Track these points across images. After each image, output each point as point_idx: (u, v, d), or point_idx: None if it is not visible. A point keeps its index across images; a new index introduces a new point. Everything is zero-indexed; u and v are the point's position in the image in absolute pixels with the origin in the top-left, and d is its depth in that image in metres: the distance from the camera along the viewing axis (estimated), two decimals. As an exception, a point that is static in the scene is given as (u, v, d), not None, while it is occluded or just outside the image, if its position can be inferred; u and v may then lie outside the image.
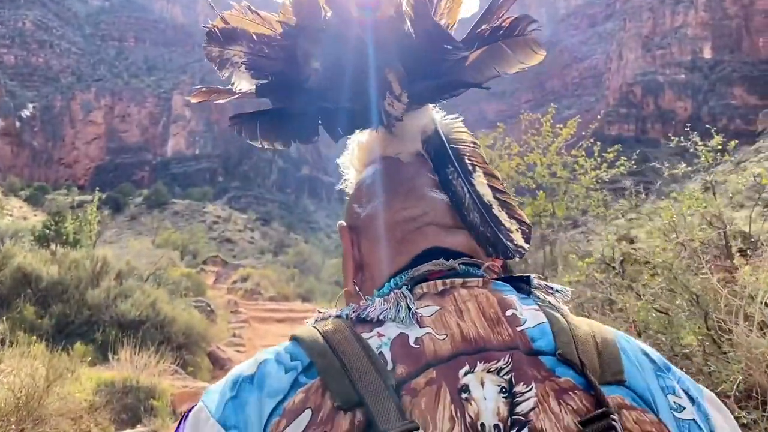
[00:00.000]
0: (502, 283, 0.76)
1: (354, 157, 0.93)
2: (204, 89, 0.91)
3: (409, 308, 0.70)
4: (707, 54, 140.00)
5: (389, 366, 0.64)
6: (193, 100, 0.92)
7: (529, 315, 0.72)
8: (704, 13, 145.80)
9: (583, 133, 8.94)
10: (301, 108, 0.85)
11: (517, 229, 0.83)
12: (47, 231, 10.07)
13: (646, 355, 0.72)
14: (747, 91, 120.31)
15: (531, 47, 0.82)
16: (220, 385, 0.67)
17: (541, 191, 8.06)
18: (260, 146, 0.89)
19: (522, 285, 0.78)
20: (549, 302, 0.77)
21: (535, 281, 0.79)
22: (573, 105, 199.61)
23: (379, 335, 0.68)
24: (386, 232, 0.84)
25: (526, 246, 0.82)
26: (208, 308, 11.29)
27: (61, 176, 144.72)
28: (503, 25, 0.82)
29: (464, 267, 0.77)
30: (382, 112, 0.81)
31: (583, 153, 7.97)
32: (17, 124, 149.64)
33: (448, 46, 0.79)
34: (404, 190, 0.85)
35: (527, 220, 0.85)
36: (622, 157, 8.12)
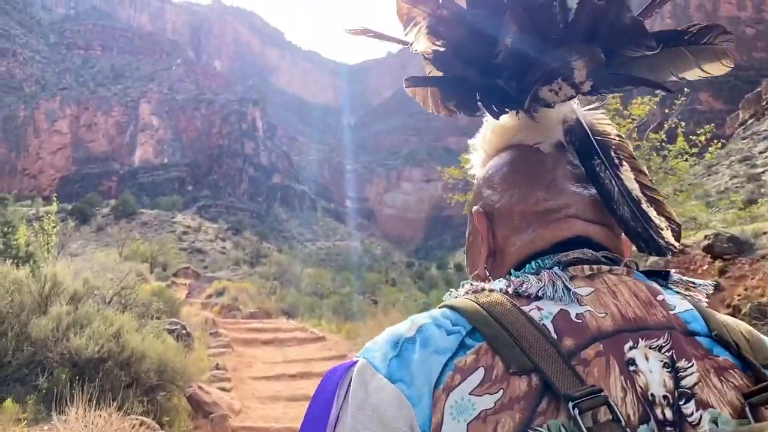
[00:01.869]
0: (643, 275, 0.78)
1: (485, 141, 0.93)
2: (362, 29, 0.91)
3: (567, 288, 0.71)
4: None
5: (554, 336, 0.66)
6: (350, 33, 0.90)
7: (677, 302, 0.74)
8: (669, 21, 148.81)
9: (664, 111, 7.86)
10: (479, 81, 0.84)
11: (667, 227, 0.82)
12: None
13: None
14: (713, 96, 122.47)
15: (719, 57, 0.80)
16: (378, 343, 0.69)
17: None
18: (433, 111, 0.91)
19: (660, 280, 0.79)
20: (690, 295, 0.78)
21: (675, 276, 0.80)
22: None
23: (539, 309, 0.69)
24: (527, 221, 0.83)
25: (677, 244, 0.81)
26: (184, 331, 9.73)
27: (25, 187, 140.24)
28: (690, 30, 0.80)
29: (606, 260, 0.78)
30: (532, 104, 0.82)
31: (665, 136, 6.72)
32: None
33: (642, 43, 0.77)
34: (545, 182, 0.84)
35: (677, 219, 0.84)
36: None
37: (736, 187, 28.95)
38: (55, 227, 11.00)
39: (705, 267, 13.27)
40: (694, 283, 0.80)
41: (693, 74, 0.81)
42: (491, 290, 0.73)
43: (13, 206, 75.71)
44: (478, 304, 0.70)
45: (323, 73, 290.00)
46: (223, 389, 7.38)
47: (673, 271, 0.81)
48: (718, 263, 12.03)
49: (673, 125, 7.30)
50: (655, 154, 7.00)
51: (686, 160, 6.86)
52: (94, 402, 4.60)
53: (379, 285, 47.93)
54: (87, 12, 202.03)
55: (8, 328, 5.25)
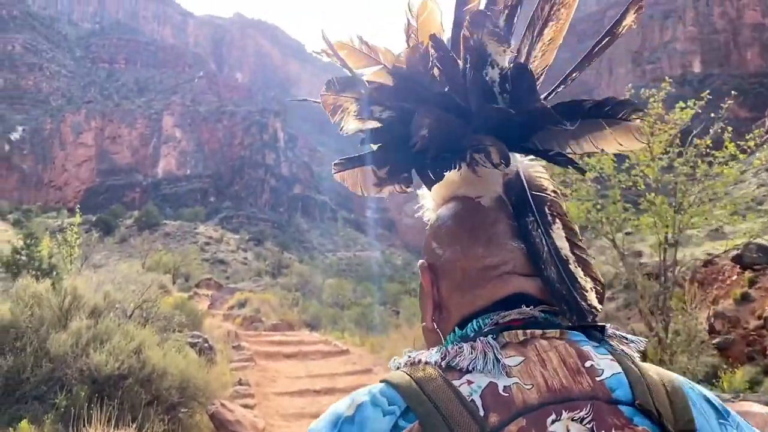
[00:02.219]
0: (577, 332, 0.80)
1: (433, 190, 0.96)
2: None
3: (497, 359, 0.74)
4: (697, 68, 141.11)
5: (481, 413, 0.68)
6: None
7: (605, 365, 0.76)
8: (693, 28, 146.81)
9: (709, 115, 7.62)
10: (398, 156, 0.91)
11: (591, 288, 0.84)
12: (18, 257, 8.39)
13: (709, 401, 0.77)
14: (737, 104, 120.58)
15: (634, 134, 0.85)
16: (320, 423, 0.72)
17: (659, 195, 6.47)
18: (360, 193, 0.98)
19: (595, 333, 0.81)
20: (622, 350, 0.80)
21: (609, 331, 0.82)
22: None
23: (469, 383, 0.72)
24: (467, 277, 0.86)
25: (599, 307, 0.84)
26: (206, 345, 9.55)
27: (51, 199, 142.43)
28: (606, 104, 0.84)
29: (543, 315, 0.81)
30: (472, 161, 0.85)
31: (710, 142, 6.41)
32: (6, 147, 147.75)
33: (559, 122, 0.83)
34: (485, 237, 0.87)
35: (602, 279, 0.86)
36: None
37: (764, 196, 28.19)
38: (77, 239, 10.94)
39: (734, 277, 12.80)
40: (626, 339, 0.83)
41: (611, 146, 0.85)
42: (426, 363, 0.77)
43: (39, 218, 76.91)
44: (413, 379, 0.73)
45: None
46: (246, 406, 7.15)
47: (607, 326, 0.83)
48: (748, 274, 11.58)
49: (720, 130, 6.96)
50: (700, 161, 6.67)
51: (731, 167, 6.53)
52: (114, 421, 4.41)
53: (400, 295, 47.55)
54: (112, 26, 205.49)
55: (27, 343, 5.09)
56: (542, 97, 0.87)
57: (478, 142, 0.83)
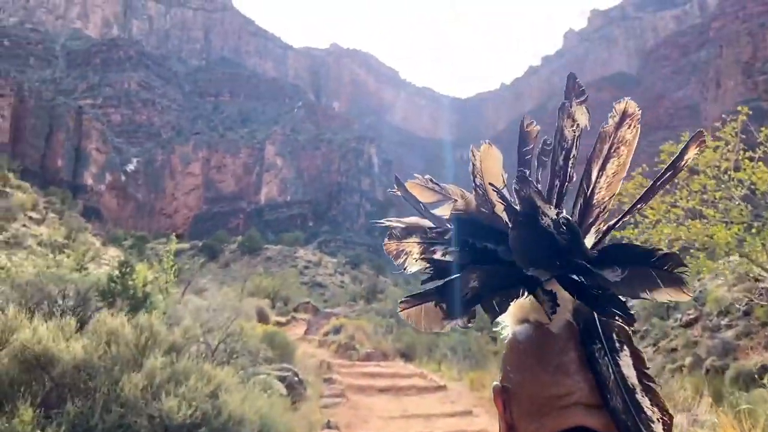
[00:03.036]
0: None
1: (509, 312, 1.00)
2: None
3: None
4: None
5: None
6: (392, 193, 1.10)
7: None
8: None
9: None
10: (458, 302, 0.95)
11: (659, 419, 0.84)
12: (113, 285, 8.33)
13: None
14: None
15: (681, 288, 0.85)
16: None
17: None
18: (423, 330, 1.02)
19: None
20: None
21: None
22: (669, 137, 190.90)
23: None
24: (534, 405, 0.90)
25: None
26: (296, 378, 9.04)
27: (162, 226, 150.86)
28: (653, 255, 0.87)
29: None
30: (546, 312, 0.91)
31: None
32: (123, 178, 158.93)
33: (601, 274, 0.87)
34: (553, 365, 0.90)
35: (669, 410, 0.86)
36: None
37: None
38: (173, 265, 10.83)
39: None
40: None
41: (663, 298, 0.86)
42: None
43: (151, 244, 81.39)
44: None
45: (437, 108, 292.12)
46: (333, 454, 6.54)
47: None
48: None
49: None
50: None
51: None
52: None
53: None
54: (217, 62, 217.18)
55: (99, 384, 4.71)
56: (608, 226, 0.95)
57: (532, 287, 0.90)
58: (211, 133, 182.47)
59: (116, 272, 9.53)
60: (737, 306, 13.80)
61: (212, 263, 65.22)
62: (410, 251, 1.03)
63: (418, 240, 1.03)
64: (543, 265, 0.88)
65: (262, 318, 21.41)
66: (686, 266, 0.88)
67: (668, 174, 0.96)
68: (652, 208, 7.98)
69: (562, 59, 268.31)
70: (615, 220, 0.97)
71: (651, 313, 40.14)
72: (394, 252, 1.04)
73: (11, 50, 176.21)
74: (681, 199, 7.78)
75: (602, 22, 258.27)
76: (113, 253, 30.63)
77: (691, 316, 28.56)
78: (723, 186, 7.26)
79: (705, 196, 7.02)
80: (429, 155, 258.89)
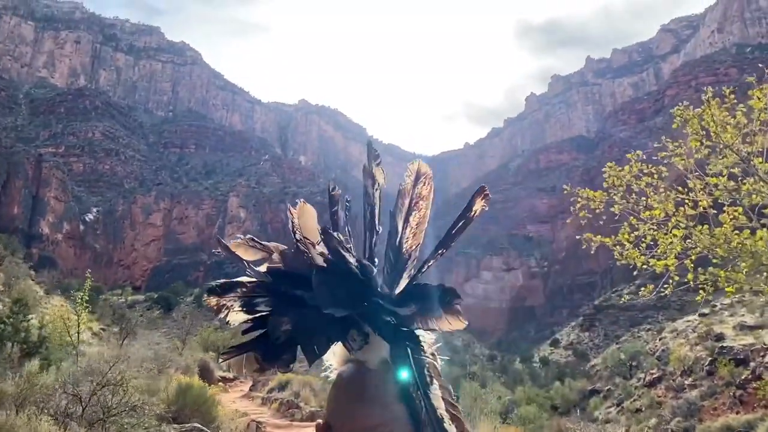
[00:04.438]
0: None
1: (334, 353, 1.12)
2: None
3: None
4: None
5: None
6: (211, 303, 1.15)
7: None
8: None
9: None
10: (276, 346, 1.06)
11: None
12: (2, 326, 7.41)
13: None
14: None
15: (458, 317, 1.02)
16: None
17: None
18: (245, 375, 1.13)
19: None
20: None
21: None
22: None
23: None
24: None
25: None
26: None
27: (120, 277, 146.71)
28: (438, 292, 1.03)
29: None
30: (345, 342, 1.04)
31: None
32: (81, 227, 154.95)
33: (394, 310, 1.02)
34: (369, 399, 0.99)
35: None
36: None
37: None
38: (85, 308, 9.96)
39: None
40: None
41: (446, 328, 1.02)
42: None
43: (104, 295, 78.42)
44: None
45: (403, 165, 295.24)
46: None
47: None
48: None
49: None
50: None
51: None
52: None
53: (459, 379, 44.77)
54: (184, 114, 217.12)
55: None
56: (414, 274, 1.11)
57: (343, 331, 1.02)
58: (174, 184, 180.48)
59: (6, 311, 8.59)
60: (701, 365, 13.34)
61: (167, 316, 62.95)
62: (231, 305, 1.10)
63: (238, 294, 1.10)
64: (342, 305, 0.99)
65: (205, 372, 20.23)
66: (460, 297, 1.03)
67: (461, 222, 1.14)
68: (654, 207, 7.50)
69: (524, 121, 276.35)
70: (421, 264, 1.11)
71: (614, 372, 39.81)
72: (215, 307, 1.11)
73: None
74: (698, 191, 7.07)
75: (563, 87, 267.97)
76: (57, 302, 29.07)
77: (655, 375, 28.30)
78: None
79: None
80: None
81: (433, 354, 1.06)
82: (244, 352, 1.11)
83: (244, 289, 1.11)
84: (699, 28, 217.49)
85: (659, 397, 21.62)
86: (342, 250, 1.06)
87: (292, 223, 1.11)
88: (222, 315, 1.11)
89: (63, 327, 8.92)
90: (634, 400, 25.33)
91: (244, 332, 1.11)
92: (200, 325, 44.77)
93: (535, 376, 60.99)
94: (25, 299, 9.48)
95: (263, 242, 1.17)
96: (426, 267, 1.11)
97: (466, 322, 1.03)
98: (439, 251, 1.12)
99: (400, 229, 1.14)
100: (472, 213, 1.15)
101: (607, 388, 36.75)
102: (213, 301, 1.12)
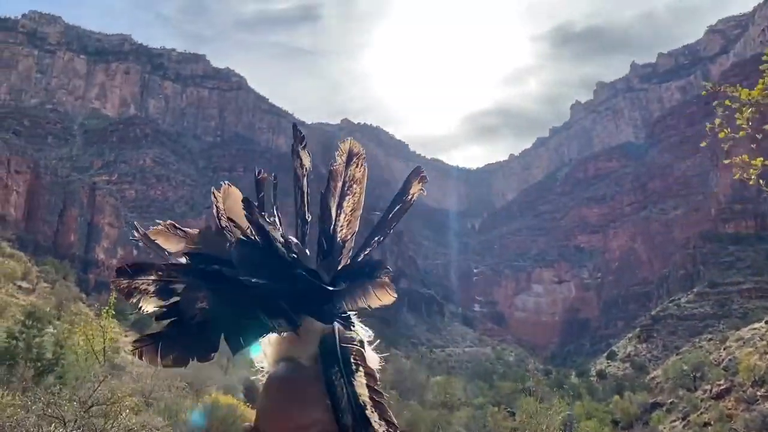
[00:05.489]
0: None
1: (266, 354, 1.07)
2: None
3: None
4: None
5: None
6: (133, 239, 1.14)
7: None
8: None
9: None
10: (198, 329, 0.98)
11: (385, 431, 0.94)
12: (14, 342, 6.98)
13: None
14: None
15: (387, 290, 1.00)
16: None
17: None
18: (160, 366, 1.02)
19: None
20: None
21: None
22: (679, 205, 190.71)
23: None
24: None
25: None
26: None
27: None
28: (365, 268, 1.01)
29: None
30: (278, 329, 0.99)
31: None
32: (134, 252, 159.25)
33: (321, 287, 0.99)
34: (301, 396, 0.96)
35: (395, 422, 0.95)
36: None
37: None
38: (108, 328, 9.65)
39: None
40: None
41: (374, 302, 1.00)
42: None
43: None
44: None
45: (447, 180, 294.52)
46: None
47: None
48: None
49: None
50: None
51: None
52: None
53: (515, 395, 43.53)
54: (231, 138, 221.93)
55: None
56: (350, 260, 1.07)
57: (271, 310, 0.96)
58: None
59: (18, 327, 8.15)
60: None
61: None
62: (145, 290, 1.02)
63: (152, 277, 1.02)
64: (265, 278, 0.95)
65: (252, 392, 19.84)
66: (389, 269, 1.00)
67: (398, 207, 1.08)
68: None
69: (569, 130, 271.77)
70: (356, 253, 1.08)
71: (677, 384, 37.88)
72: (126, 290, 1.03)
73: (31, 129, 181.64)
74: None
75: (608, 94, 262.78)
76: (108, 325, 29.42)
77: (722, 387, 26.66)
78: None
79: None
80: (436, 224, 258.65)
81: (361, 341, 1.03)
82: (158, 341, 1.02)
83: (159, 272, 1.03)
84: (748, 27, 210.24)
85: (729, 409, 20.23)
86: (266, 225, 1.01)
87: (216, 207, 1.07)
88: (134, 300, 1.03)
89: (87, 343, 8.63)
90: (702, 413, 23.84)
91: (158, 318, 1.02)
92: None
93: (592, 390, 58.95)
94: (38, 313, 9.16)
95: (185, 229, 1.10)
96: (362, 256, 1.07)
97: (395, 295, 1.00)
98: (376, 238, 1.09)
99: (333, 215, 1.09)
100: (410, 197, 1.08)
101: (670, 401, 34.96)
102: (123, 283, 1.03)
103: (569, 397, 32.67)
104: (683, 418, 27.04)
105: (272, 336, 1.04)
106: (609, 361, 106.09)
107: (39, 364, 6.44)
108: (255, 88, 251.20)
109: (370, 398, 0.95)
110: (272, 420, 0.99)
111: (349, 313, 1.02)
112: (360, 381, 0.96)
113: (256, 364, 1.09)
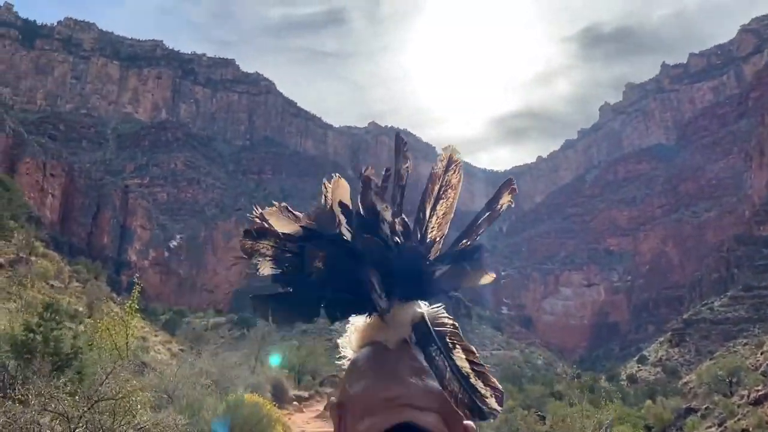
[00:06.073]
0: None
1: (350, 340, 1.14)
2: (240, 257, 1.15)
3: None
4: None
5: None
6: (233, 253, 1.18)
7: None
8: None
9: None
10: (305, 295, 1.09)
11: (491, 395, 0.98)
12: (31, 336, 7.06)
13: None
14: None
15: (485, 272, 1.09)
16: None
17: None
18: (269, 324, 1.16)
19: None
20: None
21: None
22: (712, 207, 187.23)
23: None
24: (366, 410, 1.00)
25: (499, 408, 0.98)
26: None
27: (203, 301, 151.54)
28: (466, 250, 1.09)
29: None
30: (375, 303, 1.04)
31: None
32: (166, 254, 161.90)
33: (426, 263, 1.08)
34: (387, 374, 1.03)
35: (500, 387, 1.00)
36: None
37: None
38: (134, 317, 9.83)
39: None
40: None
41: (472, 284, 1.10)
42: None
43: (189, 317, 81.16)
44: None
45: (474, 181, 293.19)
46: None
47: None
48: None
49: None
50: None
51: None
52: None
53: (544, 398, 43.18)
54: (260, 142, 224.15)
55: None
56: (433, 259, 1.12)
57: (370, 283, 1.03)
58: (253, 209, 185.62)
59: (36, 320, 8.18)
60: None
61: (246, 336, 64.34)
62: (265, 253, 1.12)
63: (272, 243, 1.12)
64: (377, 249, 1.05)
65: (279, 391, 20.09)
66: (488, 251, 1.14)
67: (487, 214, 1.15)
68: None
69: (598, 132, 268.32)
70: (442, 255, 1.14)
71: (712, 390, 37.21)
72: (249, 250, 1.13)
73: (66, 134, 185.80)
74: None
75: (638, 95, 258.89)
76: (137, 324, 30.14)
77: (761, 392, 26.14)
78: None
79: None
80: (463, 227, 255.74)
81: (454, 324, 1.08)
82: (270, 299, 1.13)
83: (278, 239, 1.12)
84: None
85: (768, 415, 19.82)
86: (378, 204, 1.09)
87: (325, 197, 1.13)
88: (254, 260, 1.12)
89: (108, 337, 8.79)
90: (739, 420, 23.46)
91: (274, 280, 1.12)
92: (277, 344, 45.33)
93: (623, 395, 58.11)
94: (56, 305, 9.28)
95: (296, 212, 1.17)
96: (467, 267, 1.12)
97: (494, 275, 1.08)
98: (462, 242, 1.12)
99: (427, 215, 1.15)
100: (499, 206, 1.15)
101: (704, 406, 34.38)
102: (248, 243, 1.12)
103: (603, 401, 32.38)
104: (719, 425, 26.57)
105: (358, 323, 1.12)
106: (640, 366, 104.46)
107: (57, 358, 6.47)
108: (283, 92, 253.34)
109: (472, 369, 1.01)
110: (357, 395, 1.04)
111: (451, 293, 1.10)
112: (459, 356, 1.02)
113: (339, 352, 1.16)
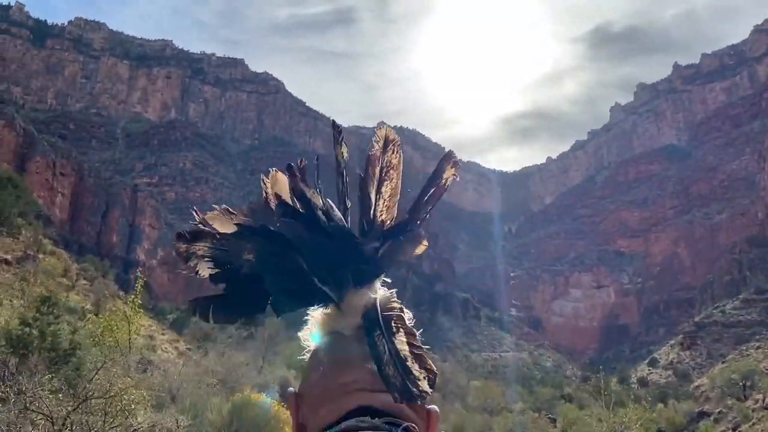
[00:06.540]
0: None
1: (312, 332, 1.16)
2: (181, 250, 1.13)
3: None
4: None
5: None
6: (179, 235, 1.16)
7: None
8: None
9: None
10: (240, 290, 1.09)
11: (424, 377, 1.01)
12: (27, 330, 6.71)
13: None
14: None
15: (418, 240, 1.12)
16: None
17: None
18: (212, 325, 1.21)
19: None
20: None
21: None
22: (724, 209, 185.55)
23: None
24: (322, 397, 1.04)
25: (429, 390, 1.01)
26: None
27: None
28: (400, 223, 1.12)
29: (387, 426, 0.97)
30: (327, 293, 1.07)
31: None
32: (174, 253, 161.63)
33: (360, 245, 1.09)
34: (342, 361, 1.06)
35: (435, 370, 1.03)
36: None
37: None
38: (138, 312, 9.48)
39: None
40: None
41: (409, 256, 1.14)
42: None
43: (197, 318, 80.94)
44: None
45: (483, 182, 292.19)
46: None
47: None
48: None
49: None
50: None
51: None
52: None
53: (554, 401, 42.71)
54: (269, 141, 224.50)
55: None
56: (391, 243, 1.13)
57: (313, 272, 1.06)
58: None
59: (33, 314, 7.83)
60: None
61: (256, 336, 64.14)
62: (201, 255, 1.11)
63: (208, 244, 1.11)
64: (306, 239, 1.06)
65: (286, 392, 19.62)
66: (420, 218, 1.12)
67: (431, 191, 1.15)
68: None
69: (609, 133, 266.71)
70: (396, 237, 1.14)
71: (725, 393, 36.54)
72: (184, 254, 1.12)
73: (75, 133, 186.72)
74: None
75: (649, 96, 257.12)
76: (144, 322, 29.94)
77: (777, 396, 25.55)
78: None
79: None
80: (474, 228, 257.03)
81: (401, 308, 1.09)
82: (211, 300, 1.12)
83: (214, 240, 1.10)
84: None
85: (786, 420, 19.25)
86: (306, 192, 1.09)
87: (266, 193, 1.14)
88: (191, 263, 1.10)
89: (110, 333, 8.48)
90: (754, 424, 22.88)
91: (211, 280, 1.11)
92: (285, 344, 45.01)
93: (636, 398, 57.44)
94: (54, 298, 8.90)
95: (236, 212, 1.16)
96: (401, 239, 1.13)
97: (426, 243, 1.12)
98: (415, 222, 1.14)
99: (372, 200, 1.15)
100: (443, 181, 1.14)
101: (718, 410, 33.74)
102: (182, 247, 1.11)
103: (612, 403, 31.86)
104: (734, 429, 26.01)
105: (317, 314, 1.13)
106: (650, 368, 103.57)
107: (54, 353, 6.19)
108: (292, 92, 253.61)
109: (410, 351, 1.02)
110: (313, 383, 1.08)
111: (387, 270, 1.13)
112: (401, 339, 1.03)
113: (303, 344, 1.17)
